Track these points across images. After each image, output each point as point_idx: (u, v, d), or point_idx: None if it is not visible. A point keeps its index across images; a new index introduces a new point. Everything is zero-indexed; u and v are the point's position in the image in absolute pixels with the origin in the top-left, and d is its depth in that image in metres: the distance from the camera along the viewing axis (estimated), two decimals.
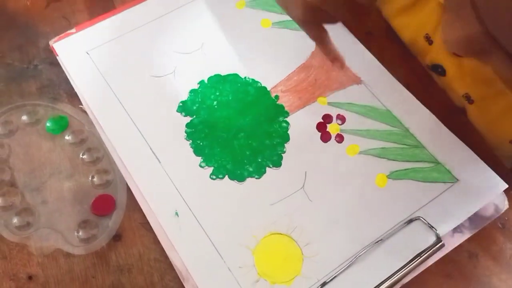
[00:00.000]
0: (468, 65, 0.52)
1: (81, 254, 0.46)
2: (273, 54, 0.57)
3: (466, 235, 0.47)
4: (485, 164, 0.49)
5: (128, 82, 0.54)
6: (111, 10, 0.60)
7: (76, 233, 0.47)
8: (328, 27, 0.48)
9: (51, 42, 0.57)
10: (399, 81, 0.55)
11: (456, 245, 0.46)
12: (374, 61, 0.56)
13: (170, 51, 0.57)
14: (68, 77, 0.55)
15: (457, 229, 0.47)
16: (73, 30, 0.58)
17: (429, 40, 0.55)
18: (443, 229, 0.46)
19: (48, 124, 0.52)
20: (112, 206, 0.48)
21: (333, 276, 0.44)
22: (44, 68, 0.56)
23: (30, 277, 0.45)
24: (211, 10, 0.60)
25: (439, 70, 0.55)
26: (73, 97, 0.54)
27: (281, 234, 0.46)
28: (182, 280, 0.44)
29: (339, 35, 0.57)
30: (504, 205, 0.48)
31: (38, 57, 0.57)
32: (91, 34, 0.58)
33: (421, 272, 0.45)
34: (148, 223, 0.47)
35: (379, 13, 0.63)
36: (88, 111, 0.53)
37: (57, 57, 0.56)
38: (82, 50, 0.56)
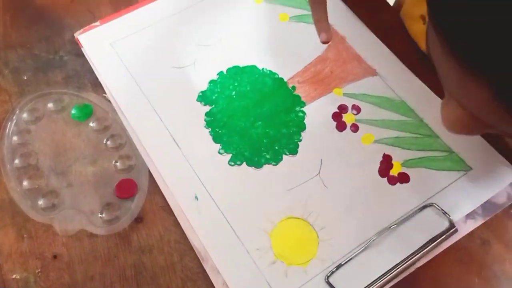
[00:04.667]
0: None
1: (104, 235, 0.48)
2: (290, 47, 0.58)
3: (479, 221, 0.47)
4: (498, 153, 0.50)
5: (150, 73, 0.56)
6: (134, 4, 0.62)
7: (99, 215, 0.48)
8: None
9: (76, 34, 0.59)
10: (414, 73, 0.56)
11: (468, 231, 0.47)
12: (389, 53, 0.57)
13: (191, 44, 0.59)
14: (93, 67, 0.57)
15: (470, 216, 0.47)
16: (97, 23, 0.60)
17: (424, 20, 0.56)
18: (456, 215, 0.47)
19: (73, 112, 0.54)
20: (134, 190, 0.50)
21: (348, 259, 0.45)
22: (69, 59, 0.59)
23: (55, 256, 0.47)
24: (230, 5, 0.61)
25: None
26: (97, 87, 0.56)
27: (297, 218, 0.48)
28: (201, 261, 0.46)
29: (355, 29, 0.59)
30: None
31: (63, 49, 0.59)
32: (115, 27, 0.60)
33: (434, 257, 0.46)
34: (168, 206, 0.49)
35: (396, 9, 0.64)
36: (111, 100, 0.55)
37: (82, 49, 0.58)
38: (106, 42, 0.59)
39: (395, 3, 0.70)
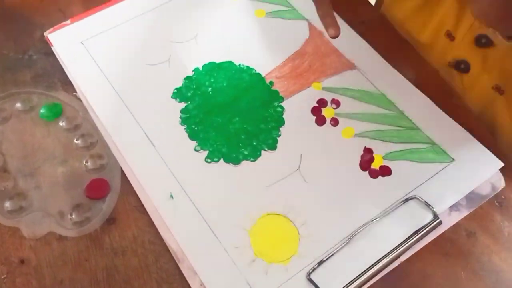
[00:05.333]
0: (494, 56, 0.51)
1: (74, 237, 0.45)
2: (267, 42, 0.57)
3: (464, 213, 0.46)
4: (481, 144, 0.49)
5: (122, 70, 0.54)
6: (106, 2, 0.60)
7: (69, 216, 0.46)
8: None
9: (46, 33, 0.58)
10: (392, 66, 0.55)
11: (453, 223, 0.46)
12: (368, 47, 0.56)
13: (165, 41, 0.57)
14: (63, 66, 0.55)
15: (454, 208, 0.46)
16: (68, 22, 0.58)
17: (450, 36, 0.55)
18: (440, 207, 0.46)
19: (42, 111, 0.52)
20: (106, 190, 0.47)
21: (330, 255, 0.43)
22: (38, 58, 0.56)
23: (22, 261, 0.44)
24: (206, 1, 0.60)
25: (462, 66, 0.54)
26: (67, 85, 0.54)
27: (277, 214, 0.46)
28: (177, 262, 0.44)
29: None
30: (500, 183, 0.48)
31: (33, 48, 0.57)
32: (86, 25, 0.58)
33: (419, 251, 0.44)
34: (142, 206, 0.47)
35: (374, 5, 0.64)
36: (82, 98, 0.53)
37: (52, 48, 0.56)
38: (76, 40, 0.57)
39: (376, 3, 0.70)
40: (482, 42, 0.52)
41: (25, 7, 0.60)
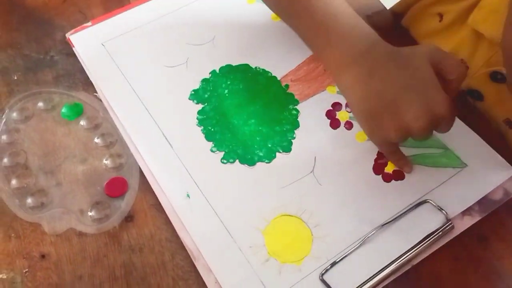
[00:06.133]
0: (507, 91, 0.52)
1: (93, 234, 0.47)
2: (283, 46, 0.58)
3: (476, 218, 0.47)
4: (493, 150, 0.50)
5: (141, 72, 0.56)
6: (125, 5, 0.62)
7: (89, 213, 0.47)
8: None
9: (67, 35, 0.59)
10: None
11: (465, 227, 0.46)
12: None
13: (183, 43, 0.58)
14: (84, 67, 0.56)
15: (466, 212, 0.47)
16: (89, 23, 0.60)
17: (441, 17, 0.55)
18: (452, 212, 0.46)
19: (63, 110, 0.53)
20: (124, 188, 0.49)
21: (343, 256, 0.44)
22: (60, 58, 0.58)
23: (43, 256, 0.46)
24: (223, 5, 0.61)
25: (475, 95, 0.55)
26: (88, 86, 0.56)
27: (291, 215, 0.47)
28: (193, 259, 0.45)
29: None
30: None
31: (54, 49, 0.59)
32: (106, 27, 0.59)
33: (431, 254, 0.45)
34: (160, 204, 0.48)
35: (387, 11, 0.64)
36: (102, 99, 0.54)
37: (73, 49, 0.58)
38: (97, 42, 0.58)
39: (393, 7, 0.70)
40: (498, 78, 0.52)
41: (47, 9, 0.62)
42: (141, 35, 0.59)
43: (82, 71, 0.56)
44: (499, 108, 0.54)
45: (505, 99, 0.53)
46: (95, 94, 0.55)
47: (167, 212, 0.47)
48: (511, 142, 0.53)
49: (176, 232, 0.46)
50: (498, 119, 0.54)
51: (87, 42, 0.58)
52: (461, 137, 0.51)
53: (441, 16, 0.58)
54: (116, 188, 0.49)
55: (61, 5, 0.63)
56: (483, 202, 0.47)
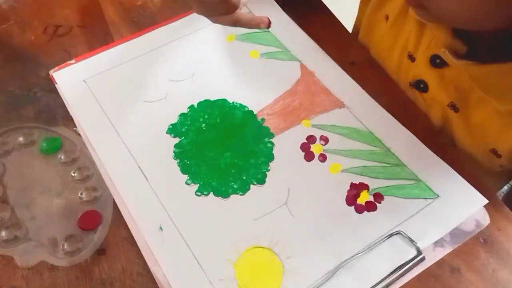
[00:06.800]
0: (448, 75, 0.54)
1: (65, 268, 0.47)
2: (260, 81, 0.59)
3: (448, 249, 0.47)
4: (465, 181, 0.50)
5: (121, 107, 0.57)
6: (109, 43, 0.64)
7: (61, 246, 0.47)
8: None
9: (51, 72, 0.61)
10: (381, 105, 0.57)
11: (437, 259, 0.46)
12: (357, 87, 0.58)
13: (164, 79, 0.60)
14: (65, 102, 0.58)
15: (438, 244, 0.47)
16: (73, 61, 0.62)
17: (411, 57, 0.57)
18: (424, 243, 0.46)
19: (42, 145, 0.54)
20: (98, 221, 0.49)
21: None
22: (42, 95, 0.59)
23: None
24: (203, 43, 0.63)
25: (421, 86, 0.57)
26: (68, 121, 0.57)
27: (262, 247, 0.47)
28: None
29: (323, 63, 0.60)
30: (485, 220, 0.48)
31: (37, 86, 0.60)
32: (89, 64, 0.61)
33: (403, 286, 0.45)
34: (132, 238, 0.48)
35: (361, 45, 0.66)
36: (81, 133, 0.55)
37: (56, 85, 0.59)
38: (79, 78, 0.60)
39: (353, 28, 0.73)
40: (437, 62, 0.54)
41: (33, 47, 0.64)
42: (123, 71, 0.60)
43: (63, 106, 0.58)
44: (443, 94, 0.56)
45: (447, 84, 0.55)
46: (74, 128, 0.56)
47: (139, 245, 0.47)
48: (456, 126, 0.55)
49: (148, 266, 0.46)
50: (443, 105, 0.56)
51: (69, 78, 0.60)
52: (433, 168, 0.51)
53: (387, 17, 0.61)
54: (89, 221, 0.49)
55: (46, 44, 0.65)
56: (455, 233, 0.47)
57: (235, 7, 0.47)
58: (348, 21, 0.72)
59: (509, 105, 0.50)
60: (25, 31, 0.65)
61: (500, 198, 0.52)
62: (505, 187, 0.74)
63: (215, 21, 0.50)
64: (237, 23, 0.49)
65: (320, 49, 0.62)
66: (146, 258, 0.47)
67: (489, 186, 0.51)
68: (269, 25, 0.50)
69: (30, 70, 0.62)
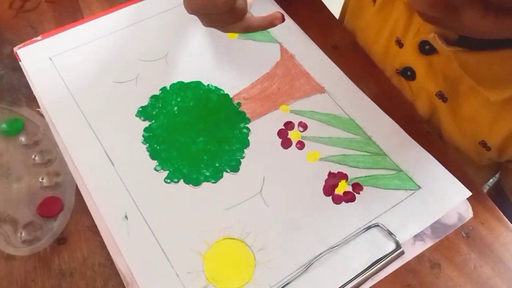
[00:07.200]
0: (437, 63, 0.51)
1: (22, 257, 0.44)
2: (238, 63, 0.56)
3: (428, 243, 0.44)
4: (448, 172, 0.48)
5: (88, 87, 0.53)
6: (78, 20, 0.60)
7: (19, 234, 0.44)
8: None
9: (15, 49, 0.57)
10: (363, 92, 0.54)
11: (417, 253, 0.44)
12: (339, 72, 0.56)
13: (134, 59, 0.56)
14: (29, 81, 0.54)
15: (418, 237, 0.44)
16: (39, 38, 0.58)
17: (399, 43, 0.55)
18: (403, 236, 0.44)
19: (3, 126, 0.51)
20: (58, 208, 0.46)
21: (286, 283, 0.41)
22: (5, 73, 0.56)
23: None
24: (177, 22, 0.60)
25: (409, 73, 0.55)
26: (31, 101, 0.53)
27: (233, 239, 0.44)
28: (126, 286, 0.42)
29: (304, 47, 0.57)
30: (468, 213, 0.46)
31: (0, 63, 0.56)
32: (56, 41, 0.57)
33: (380, 281, 0.43)
34: (95, 226, 0.45)
35: (345, 28, 0.63)
36: (45, 114, 0.52)
37: (20, 63, 0.56)
38: (45, 56, 0.56)
39: (340, 13, 0.70)
40: (426, 48, 0.52)
41: None
42: (92, 50, 0.57)
43: (27, 86, 0.54)
44: (431, 82, 0.53)
45: (436, 72, 0.52)
46: (37, 109, 0.52)
47: (102, 235, 0.44)
48: (443, 116, 0.53)
49: (110, 257, 0.43)
50: (431, 95, 0.53)
51: (35, 56, 0.56)
52: (415, 158, 0.49)
53: (374, 1, 0.58)
54: (49, 208, 0.46)
55: (12, 19, 0.61)
56: (436, 226, 0.45)
57: (243, 13, 0.44)
58: (335, 6, 0.69)
59: (500, 95, 0.47)
60: None
61: (485, 191, 0.50)
62: (491, 180, 0.72)
63: (226, 31, 0.47)
64: (249, 29, 0.46)
65: (302, 31, 0.59)
66: (109, 248, 0.44)
67: (474, 179, 0.49)
68: (283, 19, 0.47)
69: None
